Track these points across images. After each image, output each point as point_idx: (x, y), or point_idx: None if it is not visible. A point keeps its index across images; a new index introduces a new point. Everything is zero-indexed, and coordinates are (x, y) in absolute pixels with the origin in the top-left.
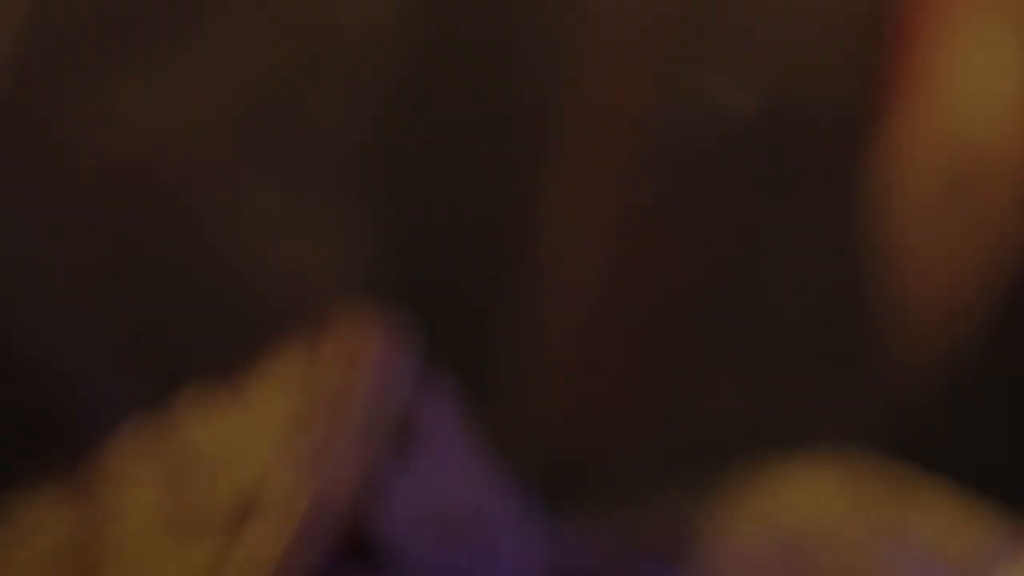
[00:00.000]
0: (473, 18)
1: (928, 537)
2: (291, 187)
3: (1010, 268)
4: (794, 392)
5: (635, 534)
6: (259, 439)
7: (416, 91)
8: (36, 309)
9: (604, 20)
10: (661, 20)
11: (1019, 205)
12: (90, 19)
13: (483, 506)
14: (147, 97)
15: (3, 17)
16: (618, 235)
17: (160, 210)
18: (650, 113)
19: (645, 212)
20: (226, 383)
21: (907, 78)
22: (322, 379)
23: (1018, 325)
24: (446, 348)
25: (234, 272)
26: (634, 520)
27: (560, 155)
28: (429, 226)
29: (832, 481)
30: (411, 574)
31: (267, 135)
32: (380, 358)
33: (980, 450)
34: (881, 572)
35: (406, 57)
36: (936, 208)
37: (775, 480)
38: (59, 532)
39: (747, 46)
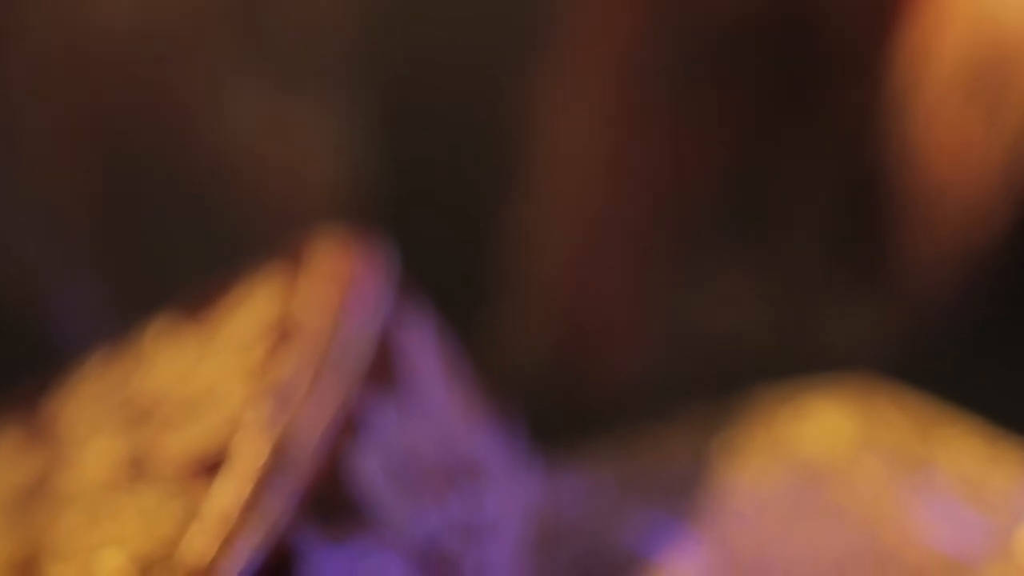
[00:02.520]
0: None
1: (953, 476)
2: (278, 85)
3: None
4: (806, 305)
5: (631, 476)
6: (229, 380)
7: None
8: (4, 220)
9: None
10: None
11: None
12: None
13: (466, 449)
14: None
15: None
16: (616, 141)
17: (138, 108)
18: (651, 12)
19: (644, 115)
20: (197, 312)
21: None
22: (298, 310)
23: None
24: (434, 264)
25: (217, 175)
26: (631, 459)
27: (557, 57)
28: (419, 128)
29: (850, 412)
30: (389, 529)
31: (252, 28)
32: (360, 287)
33: (1003, 367)
34: (900, 510)
35: None
36: (959, 100)
37: (788, 410)
38: (15, 478)
39: None
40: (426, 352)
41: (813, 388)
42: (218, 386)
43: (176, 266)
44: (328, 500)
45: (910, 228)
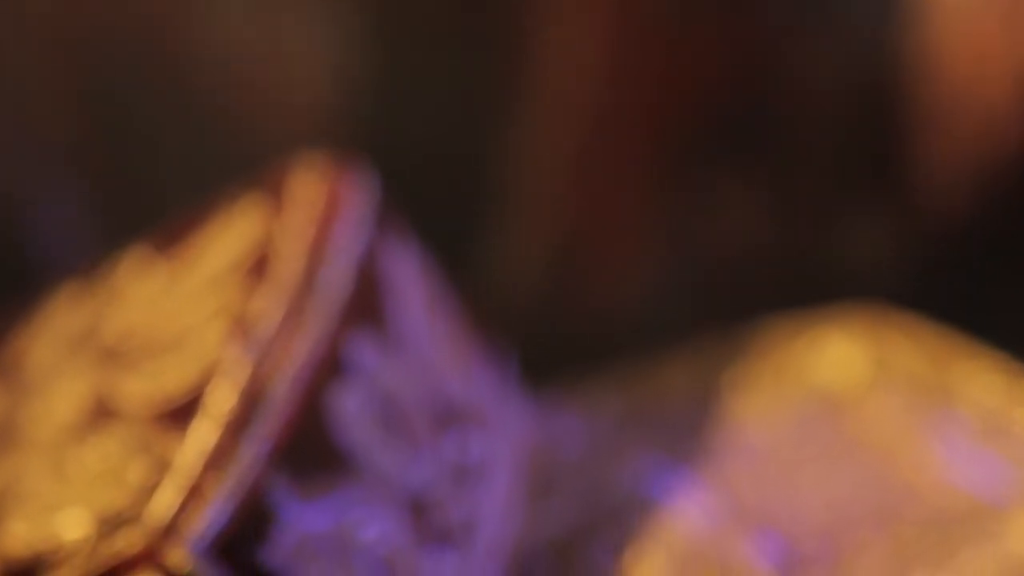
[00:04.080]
0: None
1: (973, 413)
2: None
3: None
4: (816, 221)
5: (631, 416)
6: (202, 319)
7: None
8: None
9: None
10: None
11: None
12: None
13: (454, 389)
14: None
15: None
16: (617, 56)
17: (119, 22)
18: None
19: (647, 28)
20: (171, 245)
21: None
22: (274, 241)
23: None
24: (428, 184)
25: (202, 90)
26: (631, 398)
27: None
28: (411, 43)
29: (864, 344)
30: (373, 478)
31: None
32: (339, 216)
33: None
34: (918, 446)
35: None
36: (978, 8)
37: (798, 343)
38: None
39: None
40: (410, 284)
41: (824, 319)
42: (190, 326)
43: (159, 183)
44: (306, 448)
45: (925, 140)
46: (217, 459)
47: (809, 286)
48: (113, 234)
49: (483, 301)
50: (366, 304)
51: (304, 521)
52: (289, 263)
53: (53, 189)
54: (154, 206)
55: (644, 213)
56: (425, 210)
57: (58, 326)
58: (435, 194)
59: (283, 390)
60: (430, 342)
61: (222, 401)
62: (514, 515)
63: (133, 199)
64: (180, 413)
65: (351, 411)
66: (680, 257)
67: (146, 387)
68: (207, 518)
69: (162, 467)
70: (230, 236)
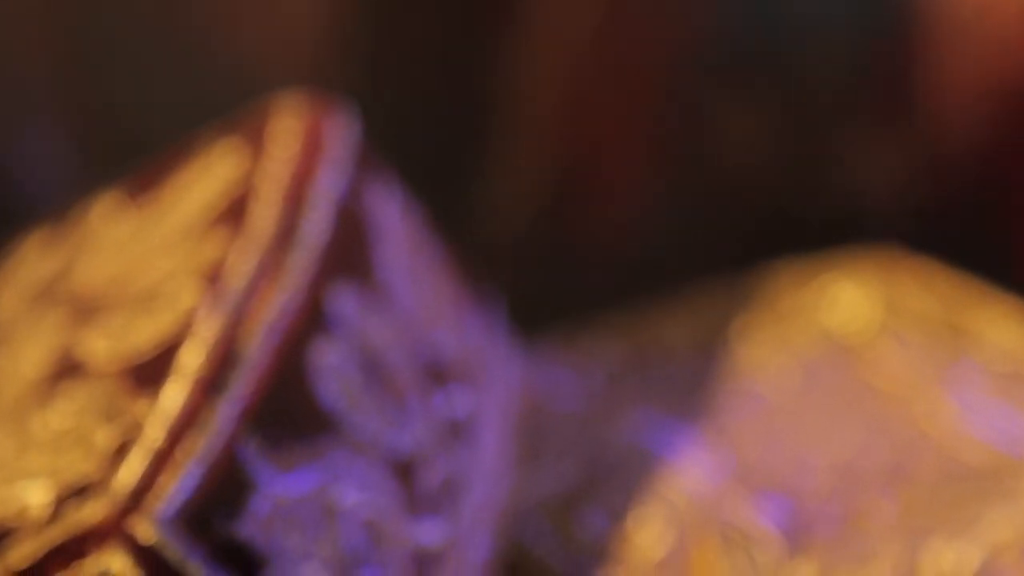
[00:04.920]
0: None
1: (987, 357)
2: None
3: None
4: (823, 145)
5: (628, 369)
6: (175, 270)
7: None
8: None
9: None
10: None
11: None
12: None
13: (440, 342)
14: None
15: None
16: None
17: None
18: None
19: None
20: (146, 191)
21: None
22: (251, 186)
23: None
24: (422, 113)
25: (190, 24)
26: (629, 350)
27: None
28: None
29: (874, 290)
30: (355, 438)
31: None
32: (319, 159)
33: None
34: (928, 391)
35: None
36: None
37: (805, 289)
38: None
39: None
40: (395, 231)
41: (833, 264)
42: (163, 277)
43: (144, 122)
44: (283, 409)
45: (939, 60)
46: (188, 422)
47: (816, 215)
48: (95, 174)
49: (478, 240)
50: (347, 252)
51: (281, 487)
52: (265, 209)
53: (33, 126)
54: (138, 145)
55: (644, 139)
56: (418, 149)
57: (27, 275)
58: (430, 130)
59: (258, 346)
60: (415, 293)
61: (193, 359)
62: (504, 476)
63: (117, 138)
64: (150, 372)
65: (332, 368)
66: (682, 184)
67: (115, 343)
68: (176, 486)
69: (130, 430)
70: (206, 182)
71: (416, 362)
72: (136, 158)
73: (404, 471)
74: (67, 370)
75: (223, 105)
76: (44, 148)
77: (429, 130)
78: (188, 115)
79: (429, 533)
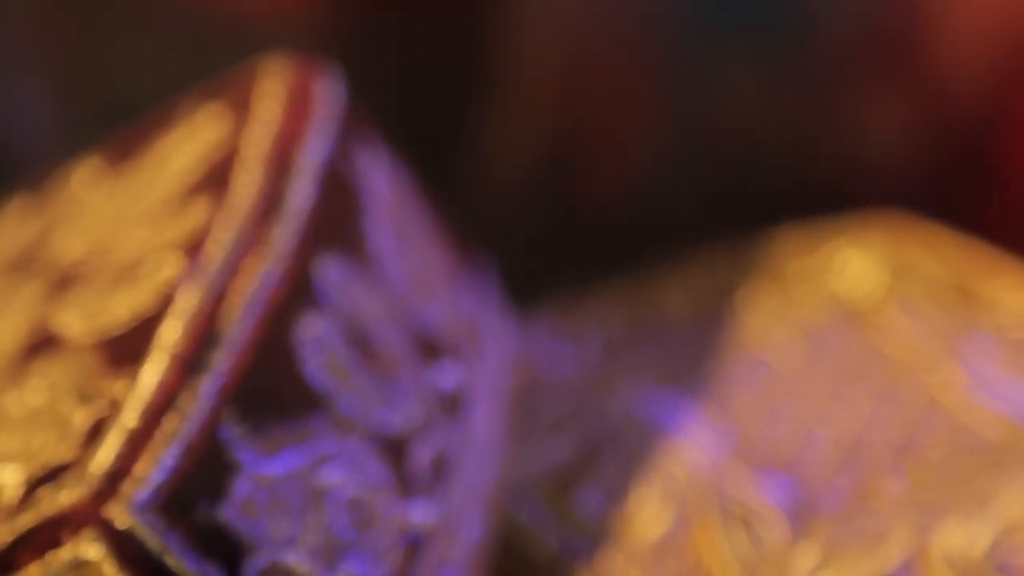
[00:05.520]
0: None
1: (997, 322)
2: None
3: None
4: (826, 103)
5: (628, 338)
6: (155, 241)
7: None
8: None
9: None
10: None
11: None
12: None
13: (430, 314)
14: None
15: None
16: None
17: None
18: None
19: None
20: (128, 156)
21: None
22: (233, 152)
23: None
24: (421, 66)
25: None
26: (628, 318)
27: None
28: None
29: (884, 250)
30: (337, 417)
31: None
32: (303, 124)
33: None
34: (938, 358)
35: None
36: None
37: (814, 250)
38: None
39: None
40: (383, 198)
41: (838, 228)
42: (143, 248)
43: (129, 85)
44: (266, 386)
45: (943, 17)
46: (166, 402)
47: (820, 176)
48: (82, 136)
49: (471, 208)
50: (334, 221)
51: (265, 469)
52: (248, 176)
53: (20, 87)
54: (126, 107)
55: (644, 102)
56: (410, 113)
57: (4, 243)
58: (423, 94)
59: (240, 321)
60: (406, 263)
61: (172, 335)
62: (497, 453)
63: (104, 99)
64: (128, 348)
65: (318, 343)
66: (683, 147)
67: (92, 316)
68: (154, 469)
69: (106, 410)
70: (188, 147)
71: (406, 336)
72: (123, 120)
73: (394, 450)
74: (42, 344)
75: (211, 66)
76: (30, 109)
77: (423, 94)
78: (176, 76)
79: (420, 514)
